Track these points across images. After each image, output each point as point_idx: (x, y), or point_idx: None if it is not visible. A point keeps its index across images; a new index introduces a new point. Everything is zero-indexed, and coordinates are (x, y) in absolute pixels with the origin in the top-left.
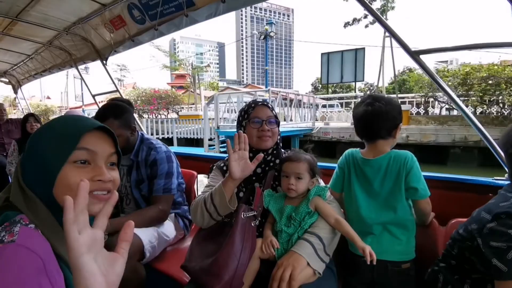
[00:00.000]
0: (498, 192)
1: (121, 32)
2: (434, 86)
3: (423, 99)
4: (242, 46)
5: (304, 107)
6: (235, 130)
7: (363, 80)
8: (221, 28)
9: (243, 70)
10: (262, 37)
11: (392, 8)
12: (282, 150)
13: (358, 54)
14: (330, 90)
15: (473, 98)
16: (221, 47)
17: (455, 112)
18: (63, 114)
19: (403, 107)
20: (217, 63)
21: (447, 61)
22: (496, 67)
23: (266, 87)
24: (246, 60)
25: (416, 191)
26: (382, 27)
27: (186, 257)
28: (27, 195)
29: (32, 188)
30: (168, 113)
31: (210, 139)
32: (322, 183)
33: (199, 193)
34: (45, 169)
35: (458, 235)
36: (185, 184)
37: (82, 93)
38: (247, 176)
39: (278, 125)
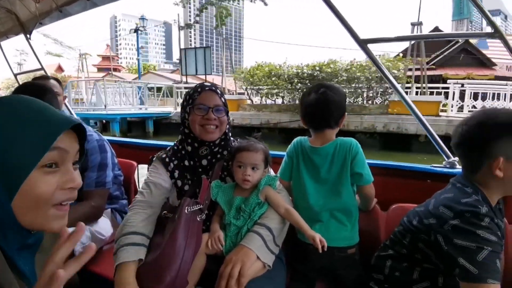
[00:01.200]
0: (450, 183)
1: (47, 1)
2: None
3: (250, 91)
4: (190, 29)
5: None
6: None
7: (211, 74)
8: (167, 9)
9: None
10: (133, 31)
11: None
12: (232, 139)
13: (206, 51)
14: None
15: (264, 91)
16: (167, 27)
17: (268, 102)
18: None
19: (242, 97)
20: (164, 44)
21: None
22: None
23: (139, 77)
24: (195, 42)
25: (361, 177)
26: (334, 14)
27: None
28: None
29: None
30: None
31: None
32: (272, 172)
33: (140, 185)
34: (6, 175)
35: (411, 225)
36: (123, 176)
37: None
38: (191, 165)
39: (227, 114)
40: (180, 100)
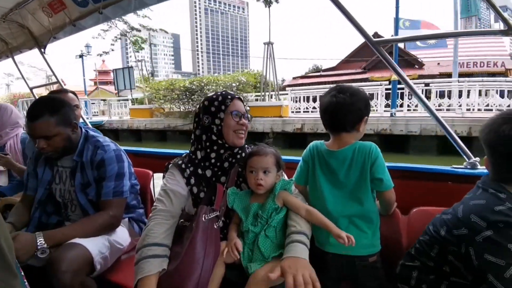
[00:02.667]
0: (479, 187)
1: (60, 16)
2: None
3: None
4: (197, 38)
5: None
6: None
7: (135, 88)
8: (174, 20)
9: (198, 62)
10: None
11: None
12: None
13: (130, 70)
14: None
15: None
16: (175, 38)
17: (176, 109)
18: None
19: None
20: (172, 55)
21: None
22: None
23: (85, 93)
24: (202, 51)
25: (381, 182)
26: (344, 16)
27: None
28: None
29: None
30: None
31: None
32: (285, 177)
33: (156, 194)
34: None
35: (439, 236)
36: (139, 185)
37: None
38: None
39: (250, 121)
40: (115, 110)
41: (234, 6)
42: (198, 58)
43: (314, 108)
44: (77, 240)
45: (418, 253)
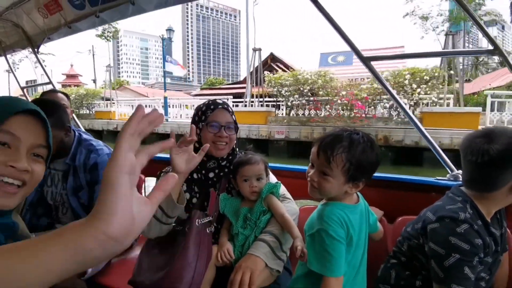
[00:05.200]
0: (446, 193)
1: (56, 17)
2: None
3: None
4: (188, 44)
5: None
6: None
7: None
8: (166, 25)
9: (188, 67)
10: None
11: None
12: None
13: None
14: None
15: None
16: (167, 42)
17: None
18: None
19: None
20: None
21: None
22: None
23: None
24: (192, 57)
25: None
26: (337, 32)
27: (134, 271)
28: None
29: None
30: None
31: None
32: (274, 179)
33: None
34: None
35: (406, 233)
36: None
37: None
38: (193, 169)
39: (237, 131)
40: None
41: (226, 14)
42: (188, 64)
43: None
44: None
45: (394, 252)
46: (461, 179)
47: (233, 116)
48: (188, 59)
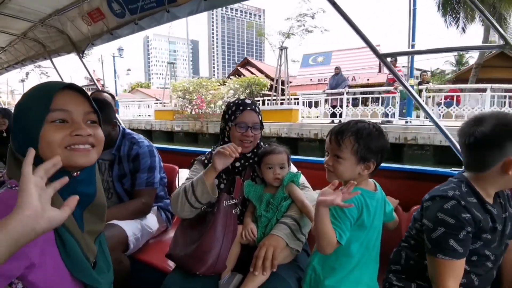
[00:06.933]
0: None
1: (99, 25)
2: None
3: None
4: (213, 45)
5: None
6: None
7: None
8: (193, 27)
9: (214, 67)
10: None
11: None
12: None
13: None
14: None
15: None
16: (194, 44)
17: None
18: None
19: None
20: (191, 60)
21: None
22: None
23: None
24: (217, 58)
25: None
26: (353, 30)
27: (171, 246)
28: (19, 160)
29: (22, 152)
30: None
31: None
32: (294, 170)
33: None
34: (28, 132)
35: (413, 218)
36: (166, 178)
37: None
38: (227, 166)
39: (262, 129)
40: None
41: (250, 14)
42: (213, 64)
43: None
44: (115, 222)
45: (406, 237)
46: None
47: (260, 116)
48: (214, 59)
